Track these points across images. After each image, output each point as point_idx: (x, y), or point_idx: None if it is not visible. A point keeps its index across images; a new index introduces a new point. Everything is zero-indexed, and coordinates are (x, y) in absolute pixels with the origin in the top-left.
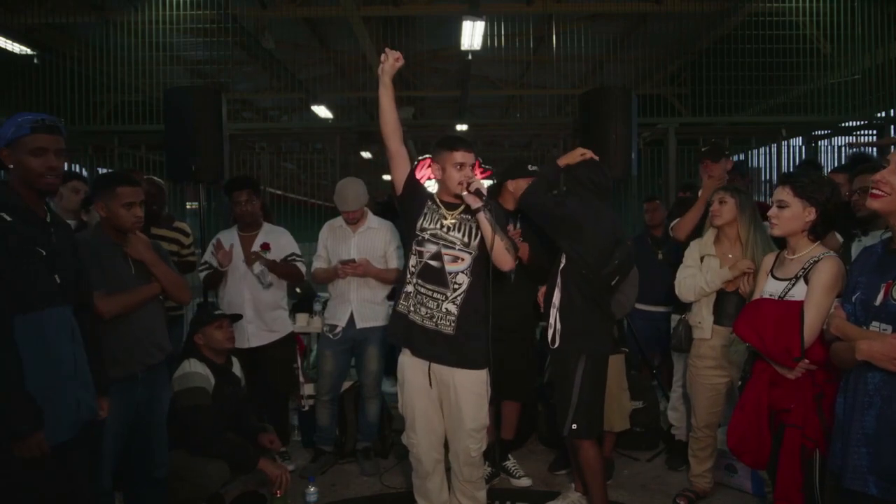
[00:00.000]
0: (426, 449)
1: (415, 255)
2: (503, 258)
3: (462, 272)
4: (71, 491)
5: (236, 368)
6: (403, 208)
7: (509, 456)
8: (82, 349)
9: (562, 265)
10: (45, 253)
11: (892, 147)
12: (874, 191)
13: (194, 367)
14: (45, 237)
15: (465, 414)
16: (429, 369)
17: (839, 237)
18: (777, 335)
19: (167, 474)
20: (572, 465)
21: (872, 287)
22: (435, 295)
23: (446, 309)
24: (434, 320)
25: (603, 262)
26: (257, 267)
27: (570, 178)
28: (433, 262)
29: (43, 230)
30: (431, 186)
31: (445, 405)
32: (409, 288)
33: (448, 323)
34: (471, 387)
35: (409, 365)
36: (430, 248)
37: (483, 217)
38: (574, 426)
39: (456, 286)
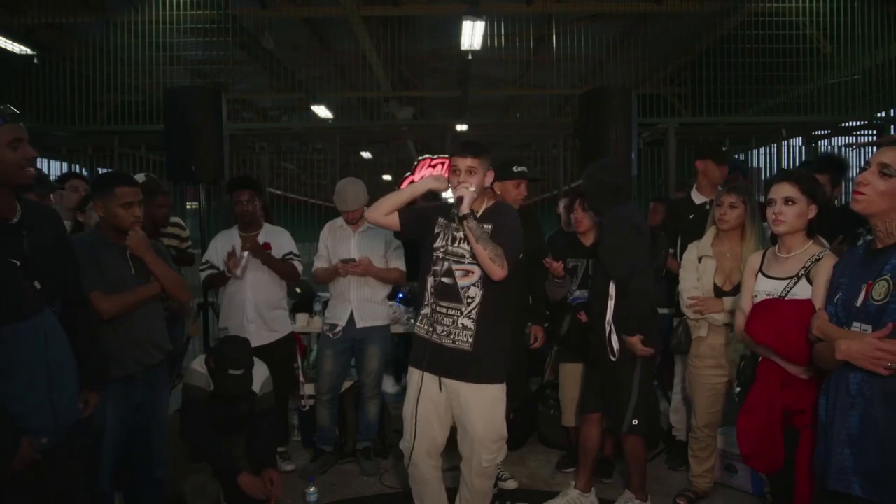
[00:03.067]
0: (422, 455)
1: (431, 275)
2: (489, 268)
3: (474, 285)
4: (64, 495)
5: (256, 383)
6: (412, 238)
7: None
8: (63, 351)
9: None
10: (19, 263)
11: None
12: (856, 190)
13: (198, 367)
14: (17, 243)
15: (479, 425)
16: (440, 378)
17: (823, 241)
18: (801, 334)
19: (167, 474)
20: (580, 462)
21: (854, 288)
22: (450, 311)
23: (462, 324)
24: (451, 338)
25: (654, 258)
26: (245, 255)
27: (588, 184)
28: (446, 279)
29: (14, 236)
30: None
31: (456, 413)
32: (426, 310)
33: (465, 339)
34: (485, 399)
35: (418, 373)
36: (443, 266)
37: (465, 225)
38: (635, 422)
39: (469, 300)
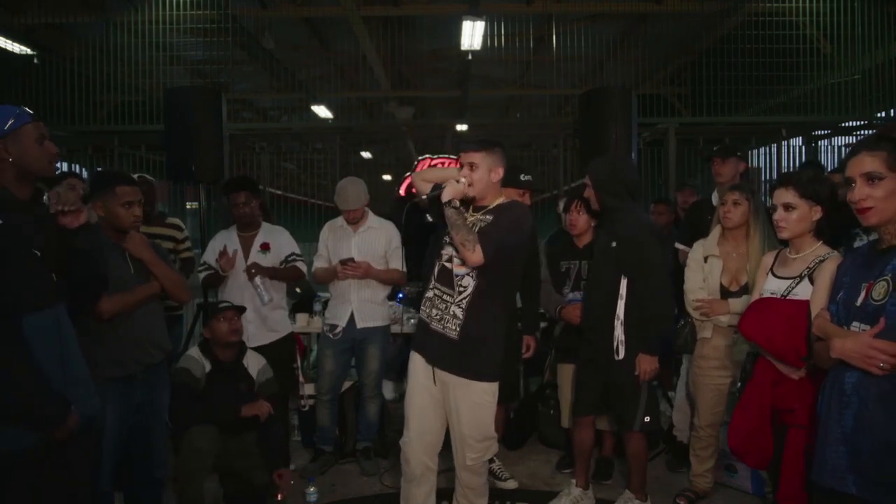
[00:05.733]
0: (416, 451)
1: (438, 258)
2: (461, 253)
3: (468, 275)
4: (69, 489)
5: (253, 368)
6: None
7: (494, 458)
8: (74, 346)
9: (625, 280)
10: (39, 254)
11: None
12: (861, 209)
13: (191, 353)
14: (38, 236)
15: (463, 421)
16: (433, 368)
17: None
18: (787, 334)
19: (167, 474)
20: (577, 462)
21: (855, 287)
22: (444, 297)
23: (453, 312)
24: (442, 323)
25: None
26: (257, 281)
27: (606, 176)
28: (447, 265)
29: (36, 229)
30: None
31: (447, 408)
32: (430, 293)
33: (454, 327)
34: (472, 396)
35: (416, 361)
36: (448, 251)
37: (445, 212)
38: (647, 419)
39: (461, 289)
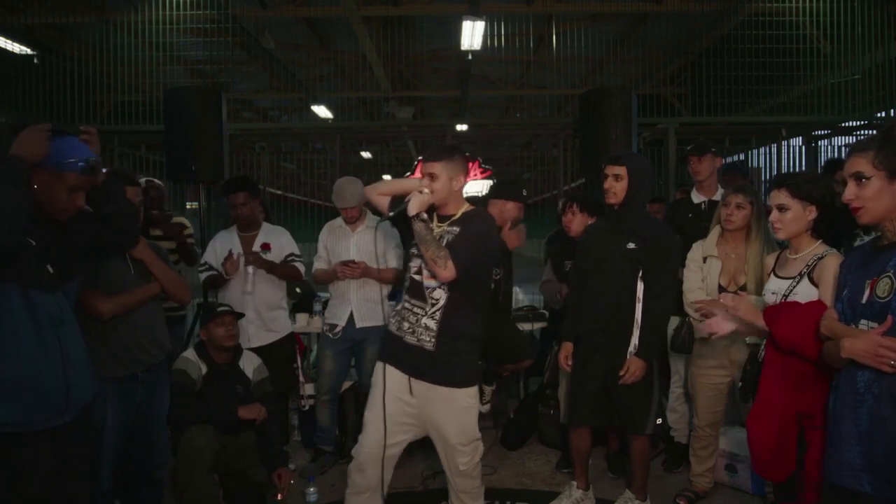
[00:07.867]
0: (375, 461)
1: (408, 271)
2: (431, 268)
3: (439, 287)
4: (65, 473)
5: (248, 369)
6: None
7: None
8: (76, 335)
9: (642, 282)
10: (34, 243)
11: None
12: (852, 209)
13: (187, 354)
14: (34, 227)
15: (448, 429)
16: (409, 380)
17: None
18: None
19: (167, 474)
20: (576, 465)
21: (859, 285)
22: (415, 310)
23: (425, 324)
24: (416, 335)
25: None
26: (250, 269)
27: (642, 172)
28: (416, 277)
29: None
30: None
31: (427, 419)
32: (399, 306)
33: (428, 339)
34: (456, 402)
35: (386, 372)
36: (416, 263)
37: (413, 226)
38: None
39: (433, 301)
